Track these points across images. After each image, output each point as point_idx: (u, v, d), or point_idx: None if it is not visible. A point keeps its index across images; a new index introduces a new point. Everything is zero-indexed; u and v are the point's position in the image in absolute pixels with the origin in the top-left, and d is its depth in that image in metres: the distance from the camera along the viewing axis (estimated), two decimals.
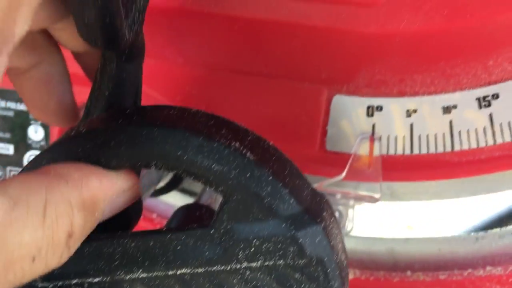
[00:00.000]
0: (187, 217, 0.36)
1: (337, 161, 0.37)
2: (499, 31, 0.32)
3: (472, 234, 0.40)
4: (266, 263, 0.25)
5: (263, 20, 0.33)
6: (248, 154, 0.25)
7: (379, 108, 0.36)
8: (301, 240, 0.25)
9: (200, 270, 0.26)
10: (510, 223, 0.40)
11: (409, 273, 0.40)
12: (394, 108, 0.35)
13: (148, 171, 0.39)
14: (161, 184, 0.43)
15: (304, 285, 0.26)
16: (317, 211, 0.26)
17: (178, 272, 0.26)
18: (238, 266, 0.25)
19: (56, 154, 0.25)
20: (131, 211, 0.32)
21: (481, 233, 0.40)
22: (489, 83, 0.34)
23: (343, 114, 0.36)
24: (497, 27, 0.31)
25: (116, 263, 0.26)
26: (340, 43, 0.33)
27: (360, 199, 0.38)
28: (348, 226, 0.41)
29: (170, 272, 0.26)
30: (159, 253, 0.26)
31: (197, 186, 0.45)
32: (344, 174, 0.36)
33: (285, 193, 0.25)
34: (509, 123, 0.34)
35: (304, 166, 0.38)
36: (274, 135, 0.37)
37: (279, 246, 0.25)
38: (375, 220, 0.43)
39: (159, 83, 0.37)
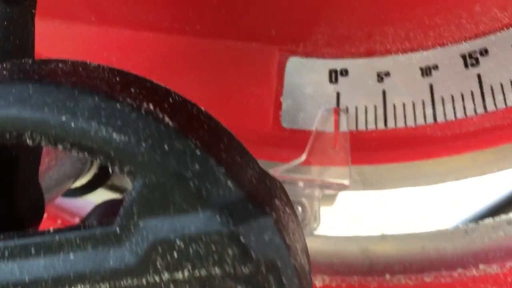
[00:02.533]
0: (106, 216, 0.29)
1: (295, 140, 0.30)
2: None
3: (461, 226, 0.34)
4: (197, 273, 0.18)
5: None
6: (166, 119, 0.18)
7: (344, 72, 0.29)
8: (243, 237, 0.18)
9: (103, 287, 0.18)
10: (504, 211, 0.34)
11: (387, 276, 0.33)
12: (362, 71, 0.29)
13: (57, 162, 0.31)
14: (83, 180, 0.35)
15: None
16: (266, 197, 0.19)
17: None
18: (157, 278, 0.18)
19: None
20: (26, 210, 0.25)
21: (472, 225, 0.34)
22: (476, 36, 0.28)
23: (301, 81, 0.29)
24: None
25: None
26: None
27: (326, 187, 0.31)
28: (314, 223, 0.34)
29: None
30: (43, 262, 0.18)
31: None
32: (304, 156, 0.29)
33: (219, 173, 0.18)
34: (501, 85, 0.28)
35: (256, 148, 0.31)
36: (218, 109, 0.30)
37: (214, 247, 0.17)
38: (345, 215, 0.36)
39: (69, 47, 0.29)
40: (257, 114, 0.30)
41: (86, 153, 0.18)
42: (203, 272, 0.18)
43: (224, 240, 0.17)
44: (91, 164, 0.34)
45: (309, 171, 0.31)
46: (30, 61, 0.19)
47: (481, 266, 0.32)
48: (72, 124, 0.17)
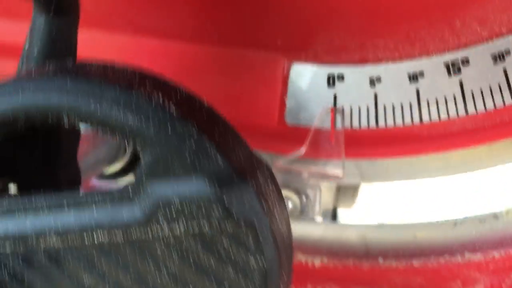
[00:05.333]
0: None
1: (297, 136, 0.34)
2: None
3: (451, 219, 0.37)
4: (190, 227, 0.22)
5: None
6: (171, 107, 0.23)
7: (341, 77, 0.33)
8: (226, 200, 0.22)
9: (118, 236, 0.23)
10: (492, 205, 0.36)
11: (380, 260, 0.37)
12: (356, 76, 0.33)
13: (94, 149, 0.37)
14: (118, 166, 0.40)
15: (234, 254, 0.23)
16: (249, 171, 0.23)
17: (95, 239, 0.23)
18: (160, 230, 0.23)
19: None
20: (66, 184, 0.30)
21: (460, 218, 0.36)
22: (458, 47, 0.31)
23: (303, 84, 0.34)
24: None
25: (27, 225, 0.24)
26: (293, 3, 0.30)
27: (322, 177, 0.35)
28: (316, 210, 0.38)
29: (86, 240, 0.23)
30: (73, 214, 0.24)
31: None
32: (303, 149, 0.34)
33: (210, 148, 0.23)
34: (481, 90, 0.31)
35: (263, 142, 0.36)
36: (231, 108, 0.35)
37: (203, 206, 0.22)
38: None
39: (106, 55, 0.35)
40: (264, 112, 0.34)
41: (108, 131, 0.23)
42: (195, 226, 0.22)
43: (211, 202, 0.22)
44: (125, 152, 0.40)
45: (309, 163, 0.35)
46: (70, 61, 0.25)
47: (467, 255, 0.35)
48: (99, 109, 0.22)
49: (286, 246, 0.24)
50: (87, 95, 0.22)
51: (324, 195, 0.39)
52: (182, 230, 0.23)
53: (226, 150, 0.23)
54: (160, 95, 0.23)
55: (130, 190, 0.23)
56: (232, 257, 0.23)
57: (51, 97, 0.22)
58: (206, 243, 0.23)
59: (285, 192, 0.37)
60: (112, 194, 0.23)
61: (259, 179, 0.24)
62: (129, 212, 0.23)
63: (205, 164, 0.22)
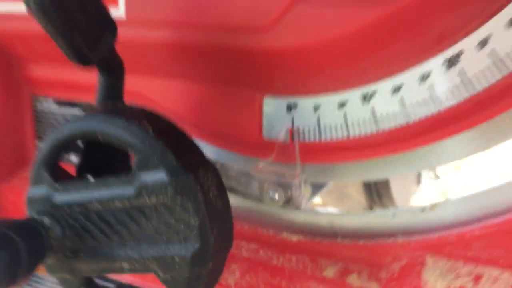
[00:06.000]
0: None
1: (271, 145, 0.49)
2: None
3: (390, 209, 0.47)
4: (159, 199, 0.40)
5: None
6: (150, 131, 0.40)
7: (295, 106, 0.47)
8: (175, 184, 0.39)
9: (125, 203, 0.41)
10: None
11: (339, 239, 0.49)
12: (304, 105, 0.47)
13: None
14: None
15: (183, 216, 0.40)
16: (193, 167, 0.40)
17: (115, 205, 0.42)
18: (144, 201, 0.40)
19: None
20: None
21: (399, 209, 0.47)
22: (368, 82, 0.43)
23: (271, 110, 0.48)
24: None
25: (84, 196, 0.43)
26: (251, 60, 0.46)
27: (288, 176, 0.49)
28: (299, 201, 0.52)
29: (111, 205, 0.42)
30: (104, 190, 0.42)
31: None
32: (273, 156, 0.48)
33: (170, 154, 0.39)
34: (390, 113, 0.43)
35: (249, 151, 0.51)
36: (223, 128, 0.51)
37: (163, 187, 0.39)
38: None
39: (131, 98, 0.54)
40: (248, 130, 0.50)
41: (117, 145, 0.41)
42: (161, 200, 0.39)
43: (167, 185, 0.39)
44: None
45: (279, 166, 0.49)
46: (110, 103, 0.44)
47: (400, 238, 0.45)
48: (112, 133, 0.41)
49: (218, 212, 0.40)
50: (108, 124, 0.41)
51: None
52: (155, 201, 0.40)
53: (180, 155, 0.40)
54: (146, 123, 0.41)
55: (130, 177, 0.41)
56: (181, 217, 0.39)
57: (90, 125, 0.42)
58: (168, 208, 0.40)
59: (274, 187, 0.52)
60: (121, 179, 0.41)
61: (200, 173, 0.40)
62: (128, 190, 0.41)
63: (165, 162, 0.39)
